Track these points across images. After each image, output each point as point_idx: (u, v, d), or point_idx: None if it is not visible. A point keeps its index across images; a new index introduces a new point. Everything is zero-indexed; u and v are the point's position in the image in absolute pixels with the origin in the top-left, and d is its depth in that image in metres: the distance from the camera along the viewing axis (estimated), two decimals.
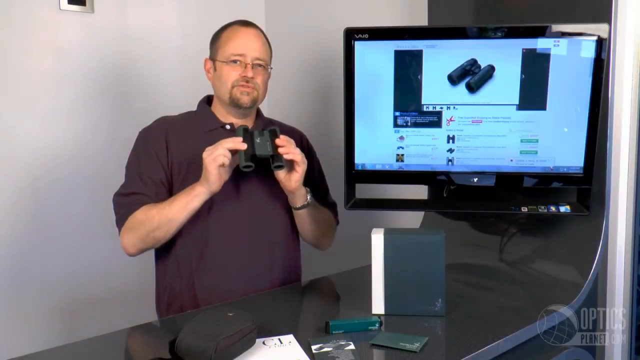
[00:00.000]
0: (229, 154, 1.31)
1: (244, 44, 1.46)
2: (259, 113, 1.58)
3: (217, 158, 1.30)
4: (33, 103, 1.88)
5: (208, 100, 1.57)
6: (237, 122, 1.52)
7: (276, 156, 1.35)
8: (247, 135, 1.35)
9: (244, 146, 1.32)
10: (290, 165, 1.38)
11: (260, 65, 1.47)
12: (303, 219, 1.51)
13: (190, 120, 1.53)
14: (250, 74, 1.45)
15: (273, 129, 1.39)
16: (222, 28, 1.51)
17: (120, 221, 1.43)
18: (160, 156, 1.45)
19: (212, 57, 1.50)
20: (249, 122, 1.55)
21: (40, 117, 1.90)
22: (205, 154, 1.32)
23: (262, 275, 1.49)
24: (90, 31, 1.97)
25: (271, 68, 1.52)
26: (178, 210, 1.36)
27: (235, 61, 1.45)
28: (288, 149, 1.35)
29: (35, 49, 1.87)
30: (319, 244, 1.62)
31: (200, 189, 1.35)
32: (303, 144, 1.64)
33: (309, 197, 1.47)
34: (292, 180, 1.39)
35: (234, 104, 1.47)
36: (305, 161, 1.39)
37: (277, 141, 1.35)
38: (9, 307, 1.88)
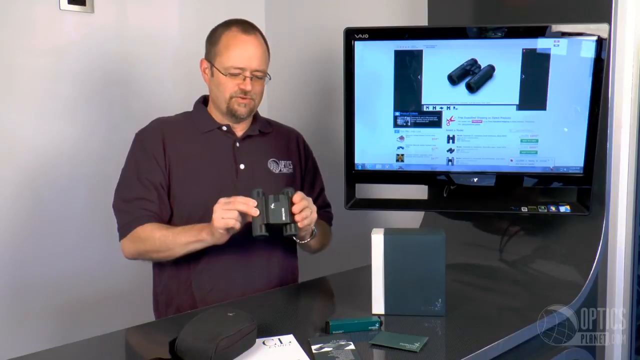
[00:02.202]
0: (239, 219, 1.27)
1: (244, 57, 1.42)
2: (255, 113, 1.58)
3: (227, 222, 1.27)
4: (33, 103, 1.88)
5: (204, 100, 1.56)
6: (234, 125, 1.52)
7: (289, 225, 1.30)
8: (262, 200, 1.28)
9: (256, 212, 1.27)
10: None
11: (258, 77, 1.46)
12: (306, 246, 1.50)
13: (186, 121, 1.53)
14: (249, 87, 1.43)
15: (286, 192, 1.31)
16: (221, 29, 1.46)
17: (123, 229, 1.43)
18: (158, 158, 1.45)
19: (209, 59, 1.47)
20: (245, 122, 1.54)
21: (40, 116, 1.90)
22: (216, 207, 1.27)
23: (260, 276, 1.49)
24: (90, 31, 1.97)
25: (269, 77, 1.50)
26: (179, 245, 1.37)
27: (234, 74, 1.43)
28: (302, 215, 1.30)
29: (35, 49, 1.87)
30: (316, 252, 1.61)
31: (206, 237, 1.33)
32: (299, 144, 1.64)
33: (314, 231, 1.44)
34: (301, 230, 1.36)
35: (231, 114, 1.47)
36: (315, 216, 1.35)
37: (294, 208, 1.29)
38: (9, 307, 1.88)
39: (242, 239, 1.45)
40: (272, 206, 1.29)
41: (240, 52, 1.43)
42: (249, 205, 1.27)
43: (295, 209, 1.30)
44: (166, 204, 1.45)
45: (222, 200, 1.29)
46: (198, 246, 1.36)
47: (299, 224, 1.30)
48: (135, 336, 1.24)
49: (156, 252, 1.40)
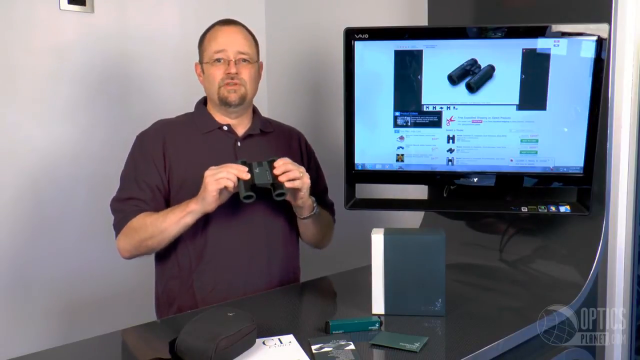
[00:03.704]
0: (234, 178, 1.29)
1: (224, 41, 1.46)
2: (255, 112, 1.58)
3: (219, 180, 1.29)
4: (33, 103, 1.88)
5: (205, 101, 1.57)
6: (234, 122, 1.52)
7: (276, 184, 1.32)
8: (246, 166, 1.33)
9: (247, 175, 1.30)
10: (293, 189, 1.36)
11: (244, 59, 1.47)
12: (307, 227, 1.51)
13: (187, 122, 1.53)
14: (233, 70, 1.45)
15: (272, 159, 1.36)
16: (205, 30, 1.52)
17: (117, 226, 1.44)
18: (157, 161, 1.45)
19: (200, 61, 1.52)
20: (246, 122, 1.55)
21: (40, 116, 1.90)
22: (207, 173, 1.30)
23: (261, 275, 1.49)
24: (90, 31, 1.97)
25: (257, 62, 1.52)
26: (171, 223, 1.37)
27: (218, 60, 1.45)
28: (287, 175, 1.33)
29: (35, 49, 1.87)
30: (318, 245, 1.62)
31: (194, 206, 1.34)
32: (301, 144, 1.64)
33: (315, 207, 1.46)
34: (297, 197, 1.39)
35: (223, 103, 1.47)
36: (308, 181, 1.37)
37: (275, 170, 1.33)
38: (9, 307, 1.88)
39: (245, 239, 1.46)
40: (257, 170, 1.33)
41: (221, 38, 1.47)
42: (240, 169, 1.30)
43: (276, 171, 1.33)
44: (161, 206, 1.45)
45: (211, 167, 1.31)
46: (189, 219, 1.36)
47: (287, 184, 1.32)
48: (135, 336, 1.24)
49: (150, 238, 1.39)
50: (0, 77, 1.82)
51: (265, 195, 1.35)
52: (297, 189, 1.36)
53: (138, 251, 1.43)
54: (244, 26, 1.52)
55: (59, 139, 1.94)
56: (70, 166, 1.96)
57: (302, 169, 1.38)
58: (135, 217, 1.41)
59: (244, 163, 1.34)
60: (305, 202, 1.42)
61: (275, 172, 1.33)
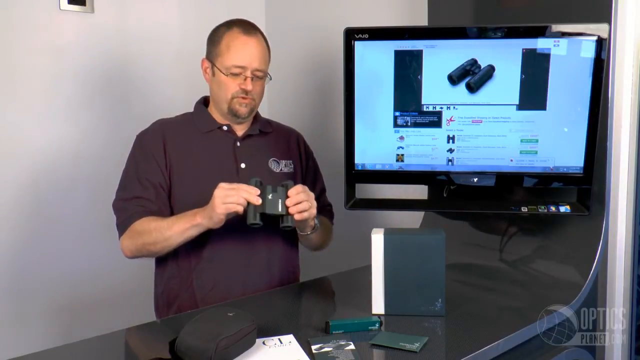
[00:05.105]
0: (244, 203, 1.28)
1: (245, 56, 1.43)
2: (255, 113, 1.58)
3: (229, 207, 1.27)
4: (33, 103, 1.88)
5: (205, 101, 1.57)
6: (234, 124, 1.52)
7: (285, 217, 1.31)
8: (260, 189, 1.30)
9: (258, 201, 1.28)
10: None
11: (258, 76, 1.47)
12: (308, 239, 1.50)
13: (187, 121, 1.53)
14: (249, 87, 1.44)
15: (286, 184, 1.33)
16: (223, 30, 1.47)
17: (122, 226, 1.44)
18: (158, 159, 1.45)
19: (210, 59, 1.48)
20: (246, 124, 1.55)
21: (40, 117, 1.90)
22: (217, 194, 1.28)
23: (261, 275, 1.49)
24: (90, 31, 1.97)
25: (269, 77, 1.51)
26: (175, 233, 1.36)
27: (235, 73, 1.44)
28: (298, 207, 1.30)
29: (35, 49, 1.87)
30: (317, 249, 1.61)
31: (201, 221, 1.33)
32: (300, 144, 1.64)
33: (316, 224, 1.44)
34: (303, 226, 1.39)
35: (232, 114, 1.47)
36: (315, 211, 1.36)
37: (288, 201, 1.30)
38: (9, 307, 1.88)
39: (244, 238, 1.46)
40: (270, 196, 1.30)
41: (242, 52, 1.44)
42: (252, 194, 1.28)
43: (289, 202, 1.30)
44: (165, 204, 1.45)
45: (223, 185, 1.29)
46: (194, 232, 1.36)
47: (296, 217, 1.31)
48: (135, 336, 1.24)
49: (153, 244, 1.39)
50: (0, 77, 1.82)
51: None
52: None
53: (140, 253, 1.44)
54: (262, 35, 1.49)
55: (59, 139, 1.94)
56: (71, 166, 1.96)
57: (312, 197, 1.35)
58: (140, 220, 1.40)
59: (259, 183, 1.31)
60: (307, 225, 1.41)
61: (288, 202, 1.30)
